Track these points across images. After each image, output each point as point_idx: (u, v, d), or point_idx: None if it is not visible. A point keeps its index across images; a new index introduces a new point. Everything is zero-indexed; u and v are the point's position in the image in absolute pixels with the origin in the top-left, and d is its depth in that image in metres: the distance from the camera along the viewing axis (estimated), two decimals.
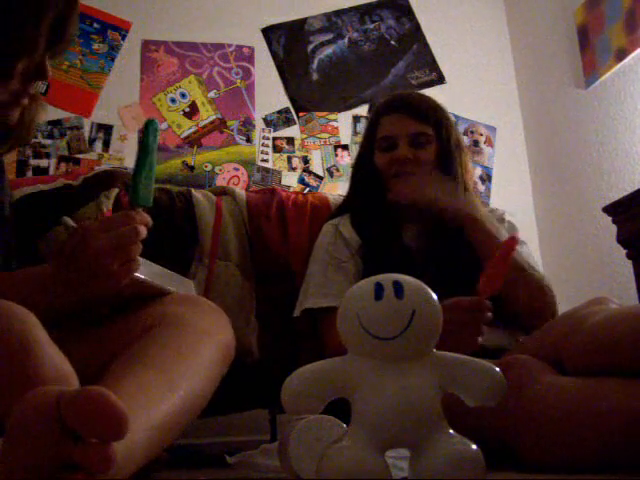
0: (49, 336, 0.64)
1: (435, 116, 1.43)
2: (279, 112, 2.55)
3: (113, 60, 2.41)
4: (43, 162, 2.25)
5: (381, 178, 1.42)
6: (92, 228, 0.81)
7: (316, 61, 2.64)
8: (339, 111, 2.60)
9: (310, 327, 1.42)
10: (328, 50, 2.66)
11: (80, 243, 0.80)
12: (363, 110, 2.61)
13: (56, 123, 2.29)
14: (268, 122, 2.54)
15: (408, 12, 2.76)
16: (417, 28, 2.75)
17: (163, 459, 1.04)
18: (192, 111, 2.46)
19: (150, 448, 0.67)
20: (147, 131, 0.87)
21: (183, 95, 2.47)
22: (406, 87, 2.63)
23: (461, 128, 2.64)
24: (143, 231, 0.82)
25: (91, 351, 0.86)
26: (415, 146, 1.39)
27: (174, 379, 0.75)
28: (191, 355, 0.80)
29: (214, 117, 2.48)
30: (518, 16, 2.82)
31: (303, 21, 2.66)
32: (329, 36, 2.68)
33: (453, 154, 1.42)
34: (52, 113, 2.29)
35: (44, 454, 0.49)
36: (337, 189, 2.45)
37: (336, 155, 2.56)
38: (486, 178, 2.66)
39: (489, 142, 2.70)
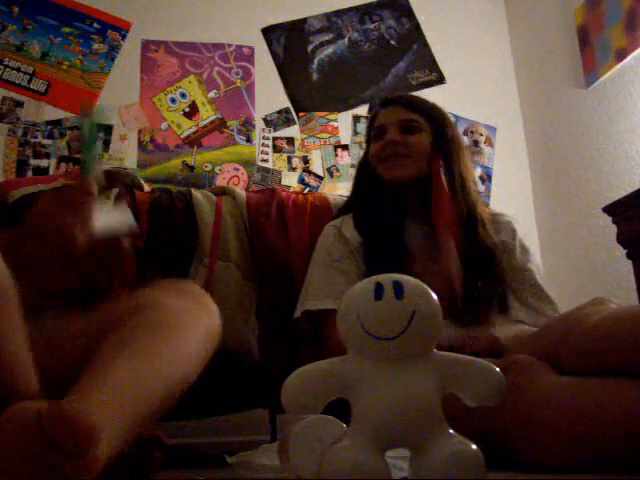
0: (33, 322, 0.66)
1: (429, 111, 1.45)
2: (279, 112, 2.55)
3: (113, 60, 2.41)
4: (43, 162, 2.25)
5: (379, 175, 1.43)
6: (48, 202, 0.91)
7: (316, 61, 2.64)
8: (339, 111, 2.60)
9: (310, 328, 1.42)
10: (328, 50, 2.66)
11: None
12: (363, 110, 2.61)
13: (56, 123, 2.29)
14: (268, 122, 2.54)
15: (408, 12, 2.76)
16: (417, 28, 2.75)
17: (158, 459, 1.04)
18: (192, 111, 2.46)
19: (132, 430, 0.71)
20: (84, 126, 1.02)
21: (183, 95, 2.47)
22: (406, 87, 2.63)
23: (461, 128, 2.64)
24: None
25: (77, 333, 0.88)
26: (405, 132, 1.41)
27: (159, 364, 0.77)
28: (175, 340, 0.82)
29: (214, 117, 2.48)
30: (518, 16, 2.82)
31: (303, 21, 2.66)
32: (329, 36, 2.68)
33: (451, 151, 1.42)
34: (52, 113, 2.29)
35: (32, 465, 0.55)
36: (337, 189, 2.45)
37: (336, 155, 2.56)
38: (486, 178, 2.66)
39: (489, 142, 2.70)
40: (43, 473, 0.55)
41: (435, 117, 1.44)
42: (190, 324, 0.85)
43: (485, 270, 1.34)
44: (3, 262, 0.67)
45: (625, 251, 1.61)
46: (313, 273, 1.42)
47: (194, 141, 2.44)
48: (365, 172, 1.49)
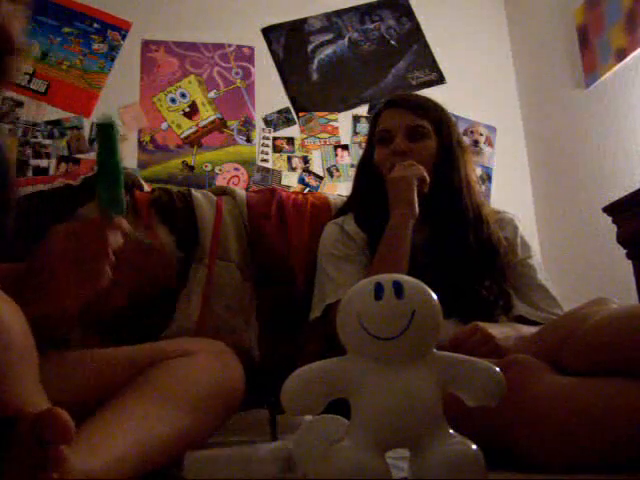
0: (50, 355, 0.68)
1: (434, 113, 1.44)
2: (279, 112, 2.55)
3: (113, 60, 2.41)
4: (43, 162, 2.25)
5: (382, 176, 1.42)
6: (59, 243, 0.78)
7: (316, 61, 2.64)
8: (339, 111, 2.60)
9: (319, 328, 1.40)
10: (328, 50, 2.66)
11: (45, 258, 0.78)
12: (363, 110, 2.61)
13: (56, 123, 2.29)
14: (268, 122, 2.54)
15: (408, 12, 2.76)
16: (417, 28, 2.75)
17: None
18: (192, 111, 2.46)
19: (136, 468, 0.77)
20: (106, 134, 0.79)
21: (183, 95, 2.47)
22: (406, 87, 2.63)
23: (461, 128, 2.63)
24: (116, 241, 0.79)
25: (92, 374, 0.93)
26: (412, 139, 1.40)
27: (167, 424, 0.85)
28: (181, 400, 0.89)
29: (214, 117, 2.48)
30: (518, 16, 2.82)
31: (303, 21, 2.66)
32: (329, 36, 2.67)
33: (455, 152, 1.42)
34: (52, 113, 2.29)
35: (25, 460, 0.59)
36: (337, 189, 2.45)
37: (336, 155, 2.56)
38: (486, 178, 2.66)
39: (489, 142, 2.70)
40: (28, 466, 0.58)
41: (440, 119, 1.43)
42: (202, 382, 0.94)
43: (492, 269, 1.34)
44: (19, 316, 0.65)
45: (625, 251, 1.61)
46: (325, 269, 1.41)
47: (194, 141, 2.44)
48: (366, 172, 1.49)
